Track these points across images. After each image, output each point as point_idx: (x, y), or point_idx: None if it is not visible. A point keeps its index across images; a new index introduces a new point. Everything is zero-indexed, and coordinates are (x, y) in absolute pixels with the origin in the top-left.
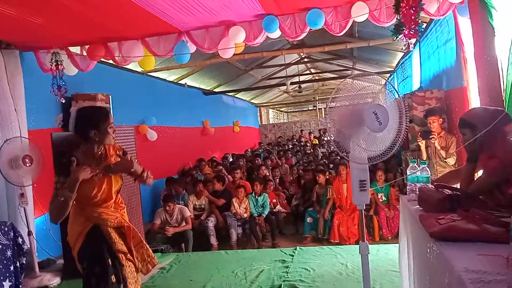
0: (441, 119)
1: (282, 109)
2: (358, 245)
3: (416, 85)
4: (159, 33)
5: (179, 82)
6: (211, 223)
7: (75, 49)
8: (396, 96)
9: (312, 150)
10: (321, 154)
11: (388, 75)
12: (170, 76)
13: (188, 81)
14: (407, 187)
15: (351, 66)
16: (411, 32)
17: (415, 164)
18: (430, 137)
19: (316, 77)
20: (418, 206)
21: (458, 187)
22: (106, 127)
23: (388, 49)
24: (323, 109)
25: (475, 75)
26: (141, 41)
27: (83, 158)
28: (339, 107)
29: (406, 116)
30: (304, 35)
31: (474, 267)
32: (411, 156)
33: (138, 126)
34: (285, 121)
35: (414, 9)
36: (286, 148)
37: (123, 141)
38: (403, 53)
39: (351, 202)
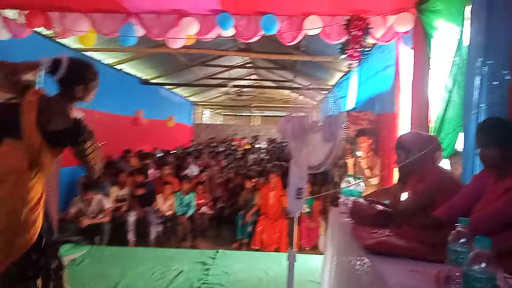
0: (370, 140)
1: (218, 111)
2: (279, 253)
3: (350, 106)
4: (107, 10)
5: (115, 66)
6: (132, 217)
7: (12, 13)
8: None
9: (243, 155)
10: (252, 161)
11: (326, 92)
12: (107, 58)
13: (126, 67)
14: (340, 200)
15: (292, 79)
16: (355, 54)
17: (351, 179)
18: (358, 156)
19: (257, 84)
20: (350, 219)
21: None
22: (93, 86)
23: (328, 68)
24: (258, 116)
25: (405, 103)
26: (87, 15)
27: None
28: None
29: (344, 130)
30: (256, 38)
31: (407, 282)
32: (339, 171)
33: None
34: (221, 122)
35: (361, 31)
36: (218, 150)
37: None
38: (342, 73)
39: (275, 210)
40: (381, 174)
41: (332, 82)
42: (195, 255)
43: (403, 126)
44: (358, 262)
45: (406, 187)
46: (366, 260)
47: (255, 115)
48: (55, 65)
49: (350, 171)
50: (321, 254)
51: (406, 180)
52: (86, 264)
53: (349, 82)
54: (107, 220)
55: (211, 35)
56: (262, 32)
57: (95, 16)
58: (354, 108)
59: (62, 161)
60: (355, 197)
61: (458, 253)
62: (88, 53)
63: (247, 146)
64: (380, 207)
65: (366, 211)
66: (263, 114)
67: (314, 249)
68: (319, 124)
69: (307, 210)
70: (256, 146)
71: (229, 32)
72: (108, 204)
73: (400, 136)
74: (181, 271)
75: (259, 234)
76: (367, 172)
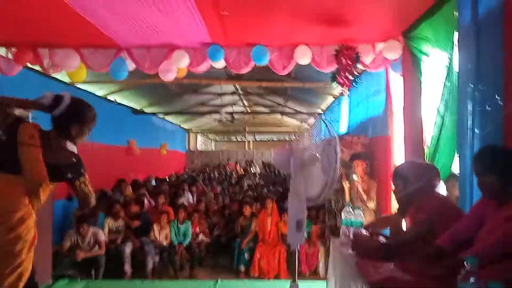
0: (364, 164)
1: (210, 137)
2: (279, 280)
3: (343, 129)
4: (97, 46)
5: (107, 97)
6: (128, 248)
7: (1, 51)
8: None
9: (238, 180)
10: (247, 186)
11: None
12: (98, 90)
13: (117, 97)
14: (341, 230)
15: (283, 104)
16: (345, 81)
17: (350, 208)
18: (354, 180)
19: (249, 110)
20: (352, 251)
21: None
22: (88, 129)
23: (320, 92)
24: (251, 141)
25: (399, 127)
26: (76, 51)
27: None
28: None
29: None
30: (248, 69)
31: None
32: (335, 196)
33: None
34: (213, 148)
35: (351, 60)
36: (212, 176)
37: None
38: (334, 98)
39: (273, 236)
40: (378, 197)
41: (324, 106)
42: (193, 286)
43: (398, 149)
44: None
45: (406, 217)
46: None
47: (248, 140)
48: (56, 101)
49: (347, 195)
50: (321, 279)
51: (406, 210)
52: None
53: (341, 107)
54: (103, 253)
55: (203, 67)
56: (253, 63)
57: (85, 51)
58: (346, 132)
59: (56, 193)
60: (356, 228)
61: None
62: (80, 85)
63: (241, 172)
64: (382, 239)
65: (368, 243)
66: (254, 139)
67: (314, 274)
68: (318, 157)
69: (305, 235)
70: (251, 171)
71: (220, 63)
72: (103, 236)
73: (397, 166)
74: None
75: (257, 261)
76: (364, 196)
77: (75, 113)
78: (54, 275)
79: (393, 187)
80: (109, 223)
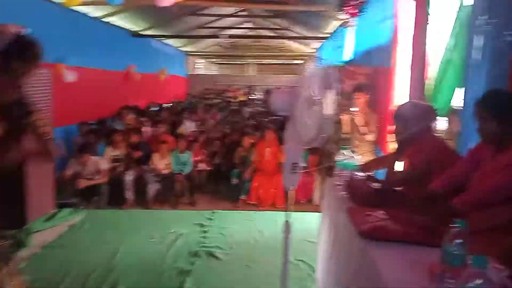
0: (367, 96)
1: (212, 60)
2: (273, 212)
3: (347, 56)
4: None
5: (103, 20)
6: (129, 176)
7: None
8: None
9: (239, 108)
10: (248, 114)
11: (322, 41)
12: (94, 11)
13: (115, 19)
14: (336, 171)
15: (287, 27)
16: (352, 10)
17: (345, 151)
18: (353, 112)
19: (252, 33)
20: (345, 193)
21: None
22: (34, 67)
23: (325, 15)
24: (254, 65)
25: (402, 58)
26: None
27: None
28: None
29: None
30: None
31: (401, 276)
32: (334, 127)
33: (53, 64)
34: (215, 72)
35: None
36: (213, 102)
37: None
38: (340, 21)
39: (272, 166)
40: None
41: (329, 30)
42: (192, 217)
43: (399, 82)
44: (355, 246)
45: (402, 157)
46: (361, 244)
47: (250, 64)
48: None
49: (346, 127)
50: (317, 211)
51: (403, 151)
52: (85, 229)
53: (346, 33)
54: (105, 181)
55: None
56: None
57: None
58: (351, 60)
59: (55, 120)
60: (350, 170)
61: (453, 255)
62: (75, 7)
63: (242, 98)
64: (375, 185)
65: (361, 188)
66: (259, 62)
67: (309, 202)
68: (316, 98)
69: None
70: (252, 97)
71: None
72: (104, 165)
73: (398, 106)
74: (180, 234)
75: (255, 189)
76: (363, 128)
77: (19, 47)
78: (58, 202)
79: (393, 127)
80: (110, 152)
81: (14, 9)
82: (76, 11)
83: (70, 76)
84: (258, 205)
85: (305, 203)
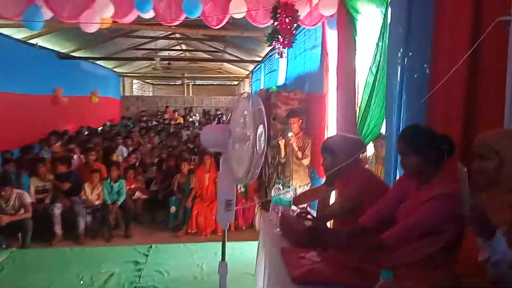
0: (300, 121)
1: (147, 81)
2: (213, 243)
3: (281, 80)
4: None
5: (28, 41)
6: (57, 209)
7: None
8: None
9: (176, 131)
10: (186, 136)
11: (256, 64)
12: (17, 33)
13: (40, 41)
14: (271, 207)
15: (222, 49)
16: (285, 42)
17: (280, 185)
18: (289, 137)
19: (187, 54)
20: (279, 230)
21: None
22: None
23: (259, 40)
24: (190, 85)
25: (334, 84)
26: None
27: None
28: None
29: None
30: (178, 22)
31: None
32: (271, 153)
33: None
34: (151, 93)
35: (290, 19)
36: (149, 125)
37: None
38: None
39: (211, 192)
40: (312, 154)
41: (263, 53)
42: (127, 253)
43: (332, 107)
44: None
45: (334, 189)
46: None
47: (187, 85)
48: None
49: (282, 152)
50: (257, 240)
51: (333, 183)
52: (7, 273)
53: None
54: (29, 216)
55: (130, 18)
56: (184, 16)
57: None
58: (284, 84)
59: None
60: (284, 206)
61: None
62: None
63: (180, 120)
64: (307, 222)
65: (294, 227)
66: (195, 83)
67: (250, 228)
68: (248, 135)
69: (242, 190)
70: (190, 119)
71: (149, 14)
72: (29, 198)
73: (326, 139)
74: (112, 274)
75: (195, 217)
76: (299, 153)
77: None
78: None
79: (322, 159)
80: (35, 182)
81: None
82: None
83: None
84: (199, 234)
85: (247, 228)
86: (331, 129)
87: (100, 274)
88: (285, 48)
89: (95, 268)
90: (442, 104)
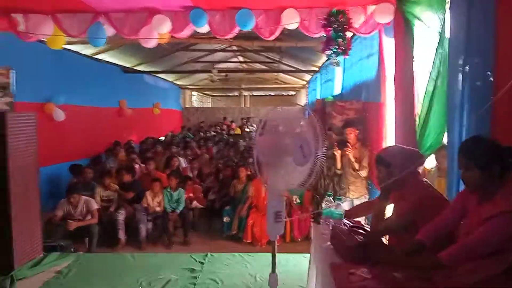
0: (357, 131)
1: (206, 92)
2: (268, 254)
3: (337, 90)
4: (73, 11)
5: (95, 56)
6: (121, 216)
7: None
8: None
9: (234, 141)
10: (243, 147)
11: (313, 74)
12: (84, 49)
13: (106, 57)
14: (321, 220)
15: (278, 60)
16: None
17: (331, 198)
18: (345, 148)
19: (244, 66)
20: (329, 244)
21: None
22: None
23: (315, 49)
24: (248, 96)
25: (392, 93)
26: (52, 17)
27: None
28: (264, 135)
29: (324, 146)
30: (232, 34)
31: None
32: (327, 163)
33: (43, 104)
34: (210, 105)
35: (346, 27)
36: (208, 135)
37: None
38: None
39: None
40: (370, 165)
41: (319, 63)
42: (184, 260)
43: (390, 117)
44: None
45: (388, 203)
46: None
47: (244, 96)
48: None
49: (338, 163)
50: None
51: (388, 196)
52: (72, 275)
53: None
54: (96, 222)
55: (185, 33)
56: (238, 28)
57: (61, 16)
58: (340, 94)
59: (41, 160)
60: (336, 219)
61: None
62: (66, 45)
63: (238, 131)
64: (359, 238)
65: (345, 241)
66: (252, 94)
67: (307, 239)
68: (300, 146)
69: (298, 201)
70: (247, 130)
71: (204, 29)
72: (95, 205)
73: (381, 150)
74: (168, 280)
75: (250, 227)
76: (356, 164)
77: None
78: (47, 245)
79: (377, 172)
80: (100, 192)
81: (8, 53)
82: (67, 49)
83: (59, 115)
84: (254, 244)
85: (302, 240)
86: (389, 140)
87: (157, 280)
88: (339, 57)
89: (153, 274)
90: (507, 113)
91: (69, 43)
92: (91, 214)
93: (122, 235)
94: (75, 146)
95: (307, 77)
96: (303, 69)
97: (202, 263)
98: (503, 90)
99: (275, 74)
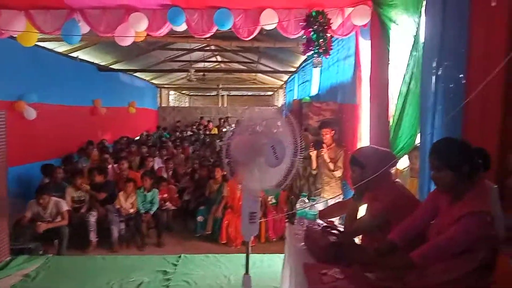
0: (333, 132)
1: (184, 92)
2: (243, 254)
3: (314, 91)
4: (47, 7)
5: (69, 54)
6: (92, 217)
7: None
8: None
9: (210, 142)
10: (219, 147)
11: (290, 75)
12: (59, 47)
13: (81, 54)
14: (295, 220)
15: (257, 60)
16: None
17: (305, 199)
18: (320, 148)
19: (222, 65)
20: (303, 245)
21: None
22: None
23: (292, 50)
24: (225, 96)
25: (367, 95)
26: (24, 13)
27: None
28: (238, 134)
29: (300, 150)
30: (210, 33)
31: None
32: (302, 164)
33: (14, 102)
34: (187, 104)
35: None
36: (184, 135)
37: None
38: (306, 56)
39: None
40: (345, 166)
41: (297, 64)
42: (156, 262)
43: (365, 118)
44: None
45: (362, 203)
46: None
47: (222, 95)
48: None
49: (313, 163)
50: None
51: (362, 196)
52: (40, 279)
53: (312, 68)
54: (66, 223)
55: (163, 31)
56: (216, 28)
57: (34, 13)
58: (317, 94)
59: (11, 160)
60: (309, 219)
61: None
62: (39, 42)
63: (215, 130)
64: (332, 238)
65: (318, 242)
66: (230, 94)
67: (282, 240)
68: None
69: (273, 201)
70: (224, 130)
71: (182, 27)
72: (66, 206)
73: (355, 151)
74: (140, 283)
75: (225, 228)
76: (331, 165)
77: None
78: (15, 248)
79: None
80: (71, 193)
81: None
82: (40, 47)
83: (30, 113)
84: (229, 245)
85: (277, 240)
86: (364, 141)
87: (129, 282)
88: (321, 58)
89: (125, 276)
90: (478, 115)
91: (42, 40)
92: (61, 216)
93: (93, 236)
94: (47, 145)
95: (285, 77)
96: (281, 69)
97: (175, 265)
98: (474, 93)
99: (254, 74)
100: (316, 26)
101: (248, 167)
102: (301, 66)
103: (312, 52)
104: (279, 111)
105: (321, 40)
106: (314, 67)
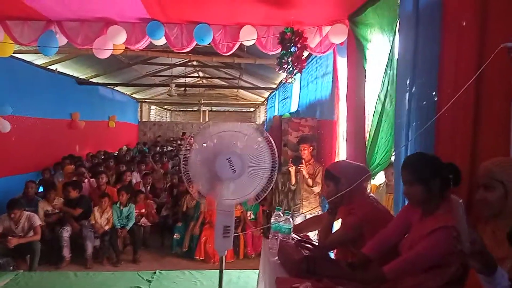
0: (311, 147)
1: (165, 107)
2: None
3: (294, 107)
4: (24, 18)
5: (48, 67)
6: (66, 232)
7: None
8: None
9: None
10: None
11: (271, 91)
12: (37, 59)
13: (60, 67)
14: (270, 234)
15: (238, 76)
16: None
17: (280, 212)
18: (299, 164)
19: (204, 81)
20: (277, 258)
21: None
22: None
23: (273, 67)
24: (207, 111)
25: (345, 111)
26: (1, 24)
27: None
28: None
29: (277, 162)
30: (189, 48)
31: None
32: (282, 179)
33: None
34: (168, 119)
35: (300, 46)
36: (164, 150)
37: None
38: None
39: None
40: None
41: (278, 81)
42: (130, 278)
43: (342, 134)
44: None
45: (336, 218)
46: None
47: (203, 111)
48: None
49: (293, 178)
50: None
51: (335, 211)
52: None
53: (292, 84)
54: (38, 238)
55: (142, 45)
56: (195, 43)
57: (11, 24)
58: (297, 111)
59: None
60: (284, 233)
61: None
62: (17, 54)
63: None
64: (305, 252)
65: (291, 256)
66: (212, 110)
67: (259, 256)
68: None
69: (252, 217)
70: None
71: (161, 41)
72: (38, 221)
73: (329, 165)
74: None
75: (203, 244)
76: (309, 180)
77: None
78: None
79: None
80: (44, 207)
81: None
82: (19, 59)
83: (5, 126)
84: (207, 261)
85: (255, 256)
86: (341, 156)
87: None
88: (293, 74)
89: None
90: (449, 131)
91: (20, 52)
92: (34, 231)
93: (66, 252)
94: (23, 159)
95: (266, 94)
96: (262, 86)
97: (150, 281)
98: (444, 108)
99: (235, 90)
100: (287, 44)
101: (218, 181)
102: (282, 83)
103: (283, 69)
104: (249, 125)
105: (291, 57)
106: (285, 82)
